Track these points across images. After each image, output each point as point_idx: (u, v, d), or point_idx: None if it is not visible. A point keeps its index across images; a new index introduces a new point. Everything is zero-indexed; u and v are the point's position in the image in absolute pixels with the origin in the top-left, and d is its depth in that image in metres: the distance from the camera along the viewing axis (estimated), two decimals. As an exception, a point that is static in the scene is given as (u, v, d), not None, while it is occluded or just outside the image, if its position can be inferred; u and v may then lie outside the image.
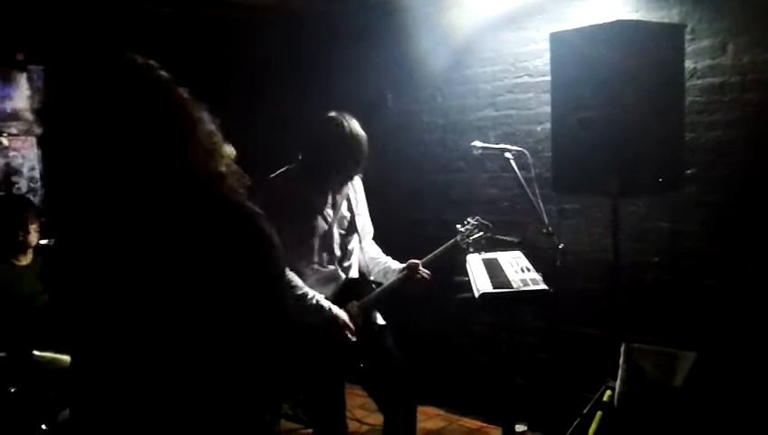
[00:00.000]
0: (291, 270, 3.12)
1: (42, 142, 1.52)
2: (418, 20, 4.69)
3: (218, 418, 1.51)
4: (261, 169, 4.70)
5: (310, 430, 4.49)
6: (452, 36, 4.59)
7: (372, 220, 3.51)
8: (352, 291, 3.32)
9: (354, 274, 3.40)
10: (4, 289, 3.89)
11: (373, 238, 3.56)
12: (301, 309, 3.09)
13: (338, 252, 3.29)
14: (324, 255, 3.25)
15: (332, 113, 3.18)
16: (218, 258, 1.47)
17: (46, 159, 1.53)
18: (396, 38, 4.82)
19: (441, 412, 4.73)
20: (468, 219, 3.47)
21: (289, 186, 3.20)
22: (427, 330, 4.87)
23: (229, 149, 1.61)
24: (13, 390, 3.46)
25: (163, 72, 1.53)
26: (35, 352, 3.25)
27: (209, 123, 1.57)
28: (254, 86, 5.84)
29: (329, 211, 3.26)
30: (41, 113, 1.51)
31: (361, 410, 4.46)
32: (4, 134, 5.90)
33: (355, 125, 3.17)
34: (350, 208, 3.34)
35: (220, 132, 1.64)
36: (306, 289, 3.13)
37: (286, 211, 3.12)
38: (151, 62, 1.53)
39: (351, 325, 3.17)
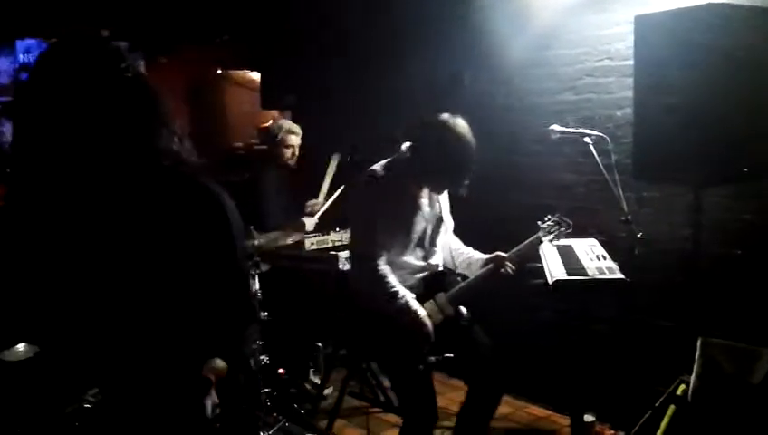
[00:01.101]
0: (384, 264, 3.16)
1: (17, 115, 1.63)
2: (500, 1, 4.62)
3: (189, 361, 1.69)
4: (334, 146, 4.80)
5: (376, 409, 4.56)
6: (533, 17, 4.50)
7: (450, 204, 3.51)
8: (440, 284, 3.33)
9: (441, 267, 3.41)
10: None
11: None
12: (390, 304, 3.11)
13: (429, 247, 3.32)
14: (417, 249, 3.28)
15: (445, 117, 3.16)
16: (183, 226, 1.65)
17: (19, 130, 1.63)
18: (475, 18, 4.76)
19: (508, 398, 4.68)
20: (549, 216, 3.44)
21: (391, 181, 3.20)
22: (496, 315, 4.82)
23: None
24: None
25: (130, 55, 1.70)
26: None
27: (168, 104, 1.75)
28: (334, 64, 5.87)
29: (426, 207, 3.28)
30: (24, 89, 1.61)
31: (450, 399, 4.46)
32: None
33: (467, 132, 3.15)
34: (439, 203, 3.37)
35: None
36: (398, 286, 3.13)
37: (390, 206, 3.17)
38: (121, 44, 1.71)
39: (431, 332, 3.14)
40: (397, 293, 3.11)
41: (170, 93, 5.84)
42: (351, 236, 3.46)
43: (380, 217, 3.15)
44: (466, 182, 3.23)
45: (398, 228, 3.21)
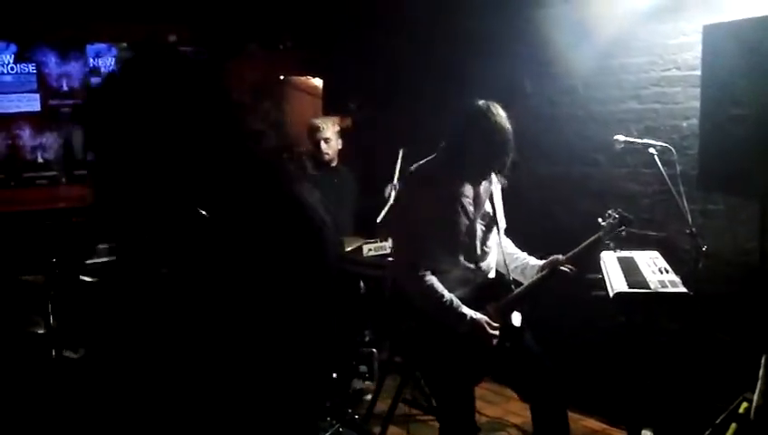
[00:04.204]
0: (432, 271, 3.09)
1: (96, 120, 1.62)
2: (565, 8, 4.59)
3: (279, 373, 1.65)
4: (399, 156, 4.80)
5: (429, 417, 4.55)
6: (598, 26, 4.46)
7: (504, 211, 3.42)
8: (491, 292, 3.24)
9: (493, 273, 3.31)
10: None
11: (505, 230, 3.45)
12: (441, 313, 3.06)
13: (479, 249, 3.21)
14: (465, 252, 3.17)
15: (480, 102, 3.06)
16: (275, 239, 1.63)
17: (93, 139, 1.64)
18: (539, 26, 4.73)
19: (563, 410, 4.63)
20: (610, 212, 3.28)
21: (432, 179, 3.13)
22: (554, 326, 4.77)
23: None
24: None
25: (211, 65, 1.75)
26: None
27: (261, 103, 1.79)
28: (396, 73, 5.91)
29: (471, 206, 3.16)
30: (106, 96, 1.62)
31: (480, 400, 4.43)
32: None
33: (503, 118, 3.03)
34: (491, 202, 3.25)
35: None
36: (446, 295, 3.06)
37: (430, 206, 3.11)
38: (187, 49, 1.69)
39: (494, 331, 3.08)
40: (447, 302, 3.05)
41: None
42: (393, 245, 3.43)
43: (419, 217, 3.09)
44: (505, 169, 3.12)
45: (439, 228, 3.10)
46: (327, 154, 5.01)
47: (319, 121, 5.06)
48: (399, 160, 4.72)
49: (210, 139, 1.62)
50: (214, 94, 1.67)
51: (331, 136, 5.01)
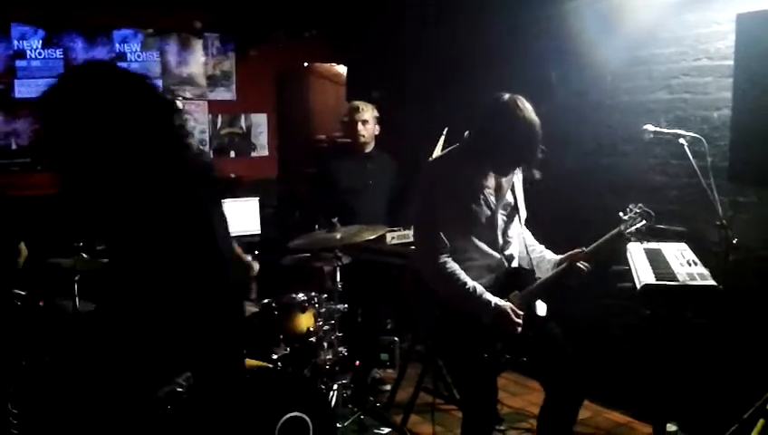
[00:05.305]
0: (454, 259, 3.07)
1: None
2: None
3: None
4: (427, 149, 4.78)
5: (450, 406, 4.54)
6: (628, 16, 4.39)
7: (528, 202, 3.37)
8: (514, 281, 3.20)
9: (515, 262, 3.28)
10: None
11: (529, 222, 3.40)
12: (465, 300, 3.04)
13: (500, 239, 3.18)
14: (487, 241, 3.14)
15: (506, 96, 3.01)
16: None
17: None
18: (566, 15, 4.68)
19: (588, 402, 4.59)
20: (631, 206, 3.22)
21: (452, 168, 3.11)
22: (578, 318, 4.74)
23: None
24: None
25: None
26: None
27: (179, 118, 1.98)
28: (420, 63, 5.88)
29: (492, 196, 3.13)
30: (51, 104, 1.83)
31: (502, 391, 4.42)
32: (179, 98, 6.24)
33: (530, 111, 2.98)
34: (513, 193, 3.22)
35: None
36: (470, 282, 3.04)
37: (449, 194, 3.09)
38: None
39: (518, 318, 3.05)
40: (469, 287, 3.03)
41: (259, 85, 5.97)
42: (415, 233, 3.40)
43: (441, 206, 3.06)
44: (534, 161, 3.07)
45: (460, 217, 3.07)
46: (363, 136, 4.92)
47: (358, 102, 5.01)
48: (442, 141, 4.65)
49: (141, 146, 1.82)
50: (147, 108, 1.85)
51: (369, 118, 4.93)
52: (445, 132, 4.51)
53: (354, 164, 4.95)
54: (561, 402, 3.21)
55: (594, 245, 3.19)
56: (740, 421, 3.36)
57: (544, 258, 3.30)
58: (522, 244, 3.32)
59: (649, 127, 3.66)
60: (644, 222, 3.17)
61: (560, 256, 3.25)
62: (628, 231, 3.17)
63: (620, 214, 3.23)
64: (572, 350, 3.19)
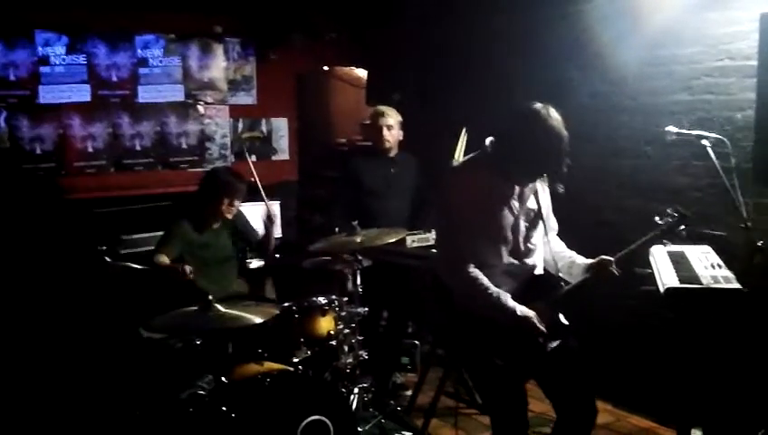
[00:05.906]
0: (477, 265, 3.03)
1: None
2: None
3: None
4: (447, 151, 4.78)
5: (472, 410, 4.52)
6: (648, 15, 4.36)
7: (552, 205, 3.36)
8: (537, 289, 3.14)
9: (539, 270, 3.22)
10: (207, 248, 4.46)
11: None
12: (488, 306, 2.99)
13: (522, 246, 3.13)
14: (509, 248, 3.09)
15: (537, 105, 2.96)
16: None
17: None
18: (588, 16, 4.65)
19: (609, 407, 4.57)
20: (668, 210, 3.12)
21: (475, 175, 3.07)
22: (601, 321, 4.71)
23: None
24: (198, 342, 3.69)
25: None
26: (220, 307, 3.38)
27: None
28: (439, 65, 5.87)
29: (515, 203, 3.09)
30: None
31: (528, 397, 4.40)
32: (201, 102, 6.28)
33: (559, 122, 2.93)
34: (536, 200, 3.16)
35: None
36: (493, 289, 2.99)
37: (475, 203, 3.05)
38: None
39: (542, 326, 2.99)
40: (493, 293, 2.98)
41: (279, 89, 6.02)
42: (437, 238, 3.38)
43: (463, 211, 3.03)
44: (559, 174, 3.01)
45: (482, 223, 3.03)
46: (388, 141, 4.93)
47: (383, 108, 5.02)
48: (463, 141, 4.63)
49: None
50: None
51: (393, 124, 4.94)
52: (464, 132, 4.50)
53: (378, 166, 4.96)
54: (572, 427, 3.16)
55: (627, 249, 3.10)
56: (767, 428, 3.31)
57: (574, 263, 3.23)
58: (549, 251, 3.27)
59: (672, 128, 3.62)
60: (682, 226, 3.08)
61: (590, 261, 3.18)
62: (666, 235, 3.09)
63: (656, 218, 3.14)
64: (581, 375, 3.12)
